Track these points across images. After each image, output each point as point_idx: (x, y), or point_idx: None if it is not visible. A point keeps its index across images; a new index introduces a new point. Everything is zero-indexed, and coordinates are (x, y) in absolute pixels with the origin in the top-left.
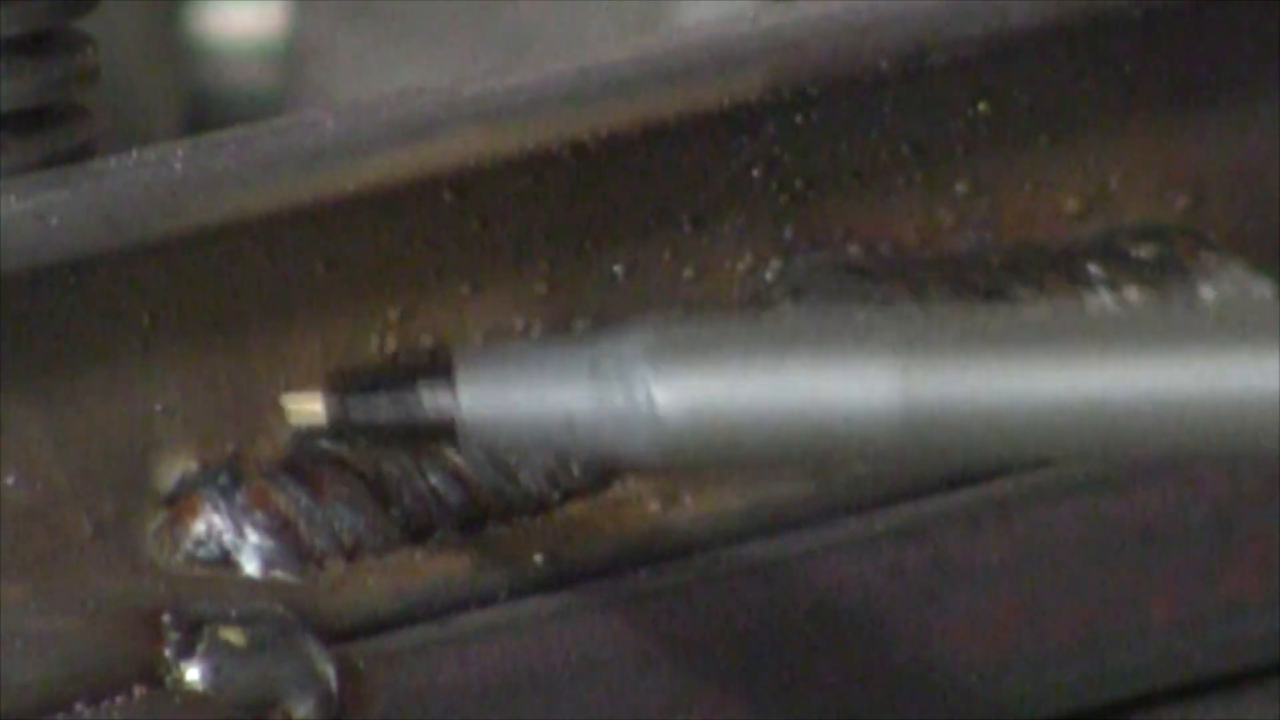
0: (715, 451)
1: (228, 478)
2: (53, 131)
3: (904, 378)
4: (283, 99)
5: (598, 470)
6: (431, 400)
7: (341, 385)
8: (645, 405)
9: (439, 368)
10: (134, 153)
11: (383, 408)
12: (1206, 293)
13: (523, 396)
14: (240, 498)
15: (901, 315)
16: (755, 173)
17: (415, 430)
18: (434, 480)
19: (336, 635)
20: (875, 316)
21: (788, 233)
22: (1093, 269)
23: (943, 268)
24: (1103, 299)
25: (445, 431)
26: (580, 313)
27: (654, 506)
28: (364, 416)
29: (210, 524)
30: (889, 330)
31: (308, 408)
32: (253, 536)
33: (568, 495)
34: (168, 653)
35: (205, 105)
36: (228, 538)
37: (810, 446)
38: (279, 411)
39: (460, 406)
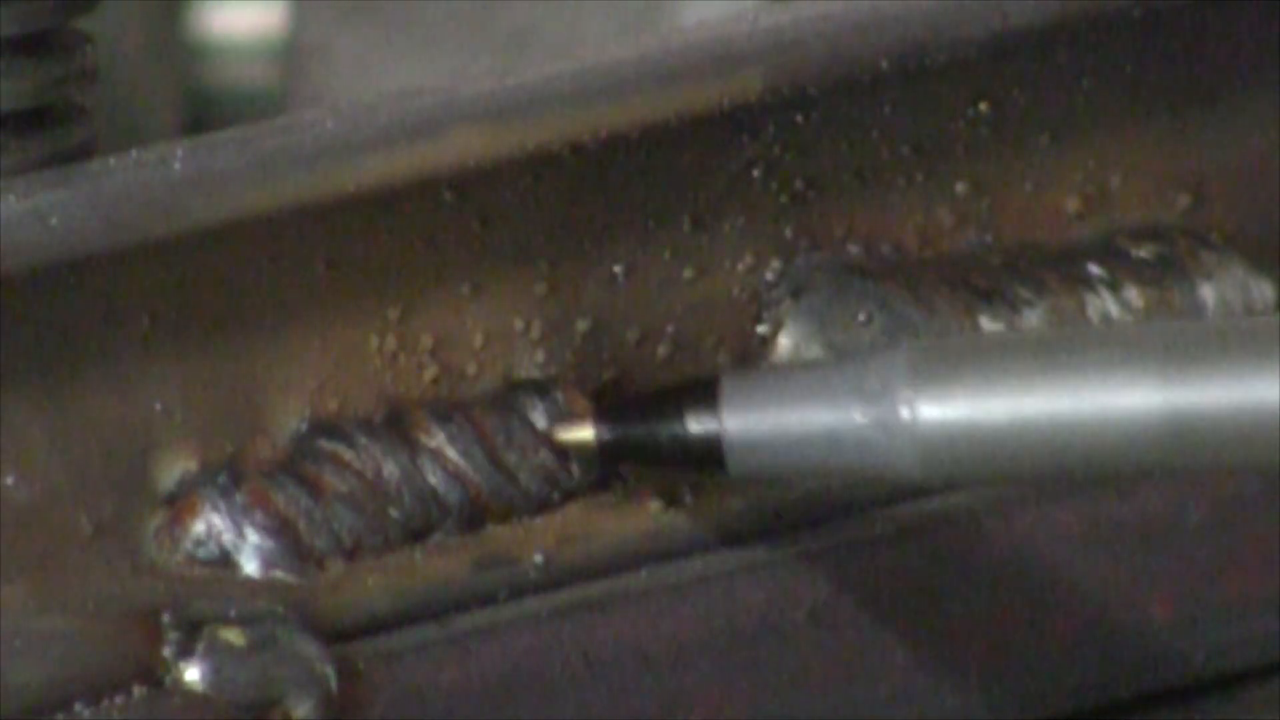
0: (979, 466)
1: (228, 478)
2: (53, 131)
3: (1164, 387)
4: (283, 99)
5: (598, 470)
6: (698, 425)
7: (610, 412)
8: (909, 423)
9: (704, 392)
10: (134, 153)
11: (651, 434)
12: (1206, 293)
13: (787, 418)
14: (240, 498)
15: (1158, 324)
16: (755, 173)
17: (683, 455)
18: (434, 480)
19: (336, 635)
20: (1131, 326)
21: (788, 233)
22: (1093, 269)
23: (943, 268)
24: (1103, 299)
25: (713, 455)
26: (580, 313)
27: (654, 506)
28: (633, 443)
29: (210, 524)
30: (1147, 339)
31: (578, 435)
32: (253, 536)
33: (568, 495)
34: (168, 653)
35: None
36: (228, 538)
37: (1073, 459)
38: (279, 411)
39: (726, 430)
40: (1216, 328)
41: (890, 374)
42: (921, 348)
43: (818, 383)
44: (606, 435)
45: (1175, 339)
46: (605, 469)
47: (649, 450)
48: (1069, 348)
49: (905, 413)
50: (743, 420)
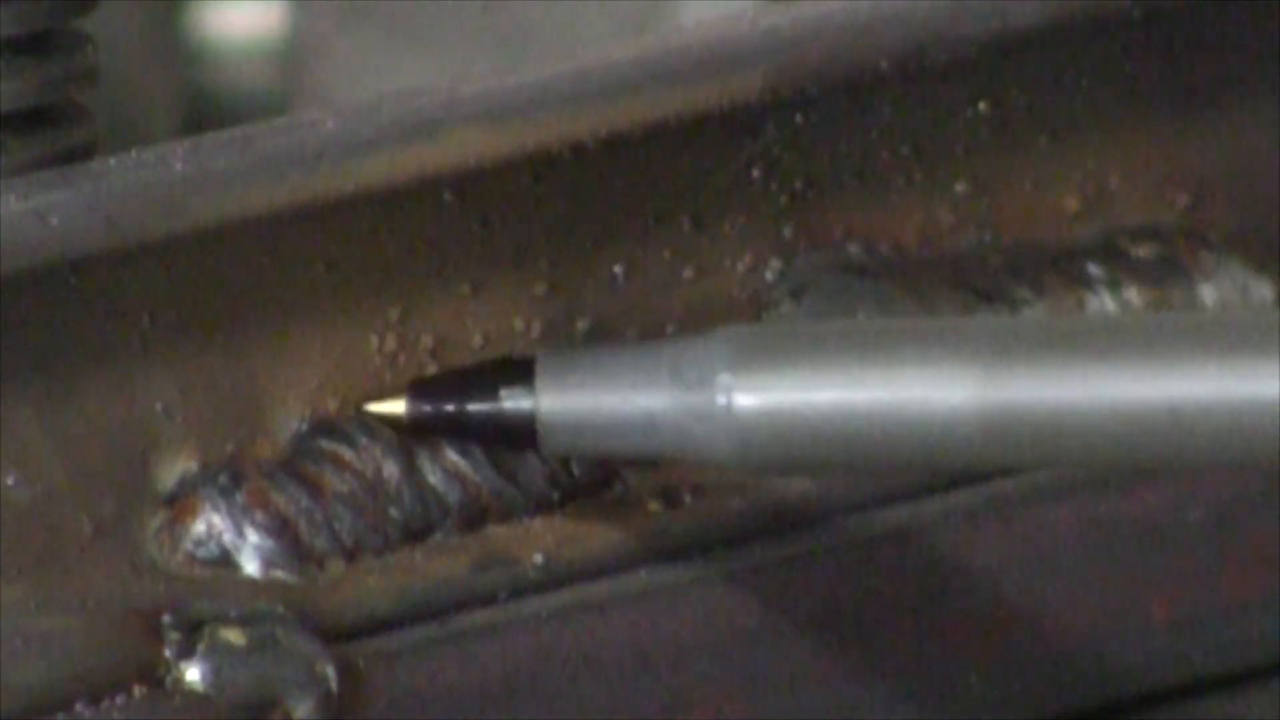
0: (796, 454)
1: (228, 478)
2: (53, 131)
3: (982, 380)
4: (283, 99)
5: (598, 470)
6: (513, 403)
7: (425, 387)
8: (726, 408)
9: (521, 370)
10: (134, 153)
11: (464, 410)
12: (1206, 293)
13: (603, 399)
14: (240, 498)
15: (980, 319)
16: (755, 173)
17: (496, 432)
18: (434, 480)
19: (336, 635)
20: (953, 321)
21: (788, 233)
22: (1093, 269)
23: (943, 268)
24: (1102, 299)
25: (526, 433)
26: (580, 313)
27: (654, 506)
28: (445, 418)
29: (210, 524)
30: (968, 333)
31: (389, 410)
32: (253, 536)
33: (568, 495)
34: (168, 653)
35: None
36: (228, 538)
37: (890, 449)
38: (279, 411)
39: (540, 409)
40: (1042, 324)
41: (709, 360)
42: (741, 334)
43: (635, 365)
44: (417, 410)
45: (998, 335)
46: (414, 439)
47: (461, 426)
48: (890, 339)
49: (722, 399)
50: (557, 400)
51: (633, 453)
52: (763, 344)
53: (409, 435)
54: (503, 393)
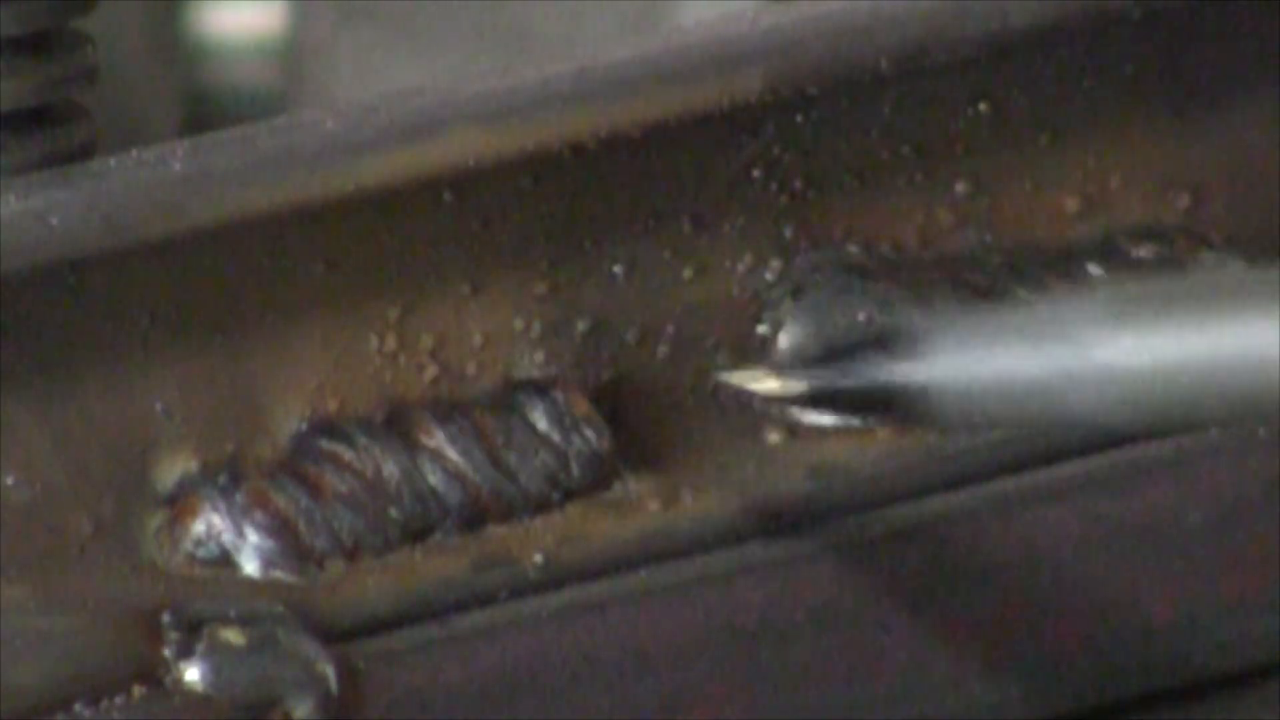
0: (1178, 408)
1: (228, 478)
2: (53, 131)
3: None
4: (283, 99)
5: (598, 470)
6: (901, 371)
7: (815, 358)
8: (1106, 366)
9: (904, 340)
10: (134, 153)
11: (854, 379)
12: None
13: (987, 364)
14: (240, 498)
15: None
16: (755, 173)
17: (885, 400)
18: (434, 480)
19: (336, 635)
20: None
21: (788, 233)
22: (1093, 269)
23: (943, 268)
24: None
25: (916, 401)
26: (580, 313)
27: (654, 506)
28: (837, 388)
29: (210, 524)
30: None
31: (777, 382)
32: (253, 536)
33: (568, 495)
34: (168, 653)
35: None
36: (227, 538)
37: (1263, 400)
38: (279, 411)
39: (929, 376)
40: None
41: (1085, 318)
42: (1116, 290)
43: (1016, 329)
44: (810, 380)
45: None
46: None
47: (852, 397)
48: (1261, 291)
49: (1100, 356)
50: (944, 367)
51: (1017, 416)
52: (1136, 299)
53: (800, 405)
54: (890, 360)
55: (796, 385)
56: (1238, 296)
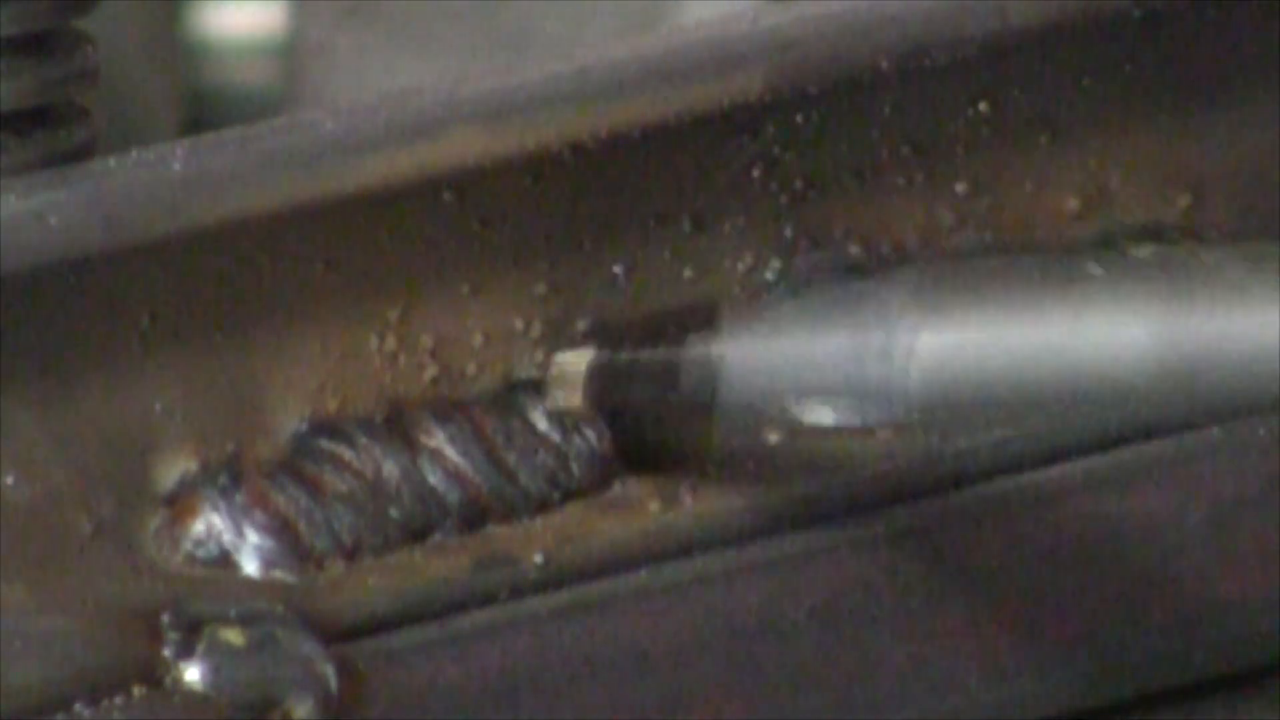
0: (975, 394)
1: (228, 478)
2: (53, 131)
3: (1161, 319)
4: (283, 99)
5: (598, 470)
6: (697, 351)
7: (608, 342)
8: (907, 349)
9: (705, 320)
10: (134, 153)
11: (648, 359)
12: None
13: (785, 344)
14: (240, 498)
15: (1159, 259)
16: (755, 173)
17: (676, 381)
18: (434, 480)
19: (336, 635)
20: (1131, 258)
21: (788, 233)
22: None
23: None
24: None
25: (708, 379)
26: (580, 313)
27: (654, 506)
28: (629, 368)
29: (210, 524)
30: (1147, 273)
31: (574, 361)
32: (252, 536)
33: (568, 495)
34: (167, 653)
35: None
36: (227, 538)
37: (1068, 389)
38: (279, 411)
39: (724, 355)
40: (1224, 264)
41: (890, 301)
42: (922, 273)
43: (817, 309)
44: (607, 360)
45: (1176, 272)
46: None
47: (644, 378)
48: (1069, 278)
49: (903, 340)
50: (740, 346)
51: (815, 395)
52: (942, 283)
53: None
54: (688, 341)
55: (584, 360)
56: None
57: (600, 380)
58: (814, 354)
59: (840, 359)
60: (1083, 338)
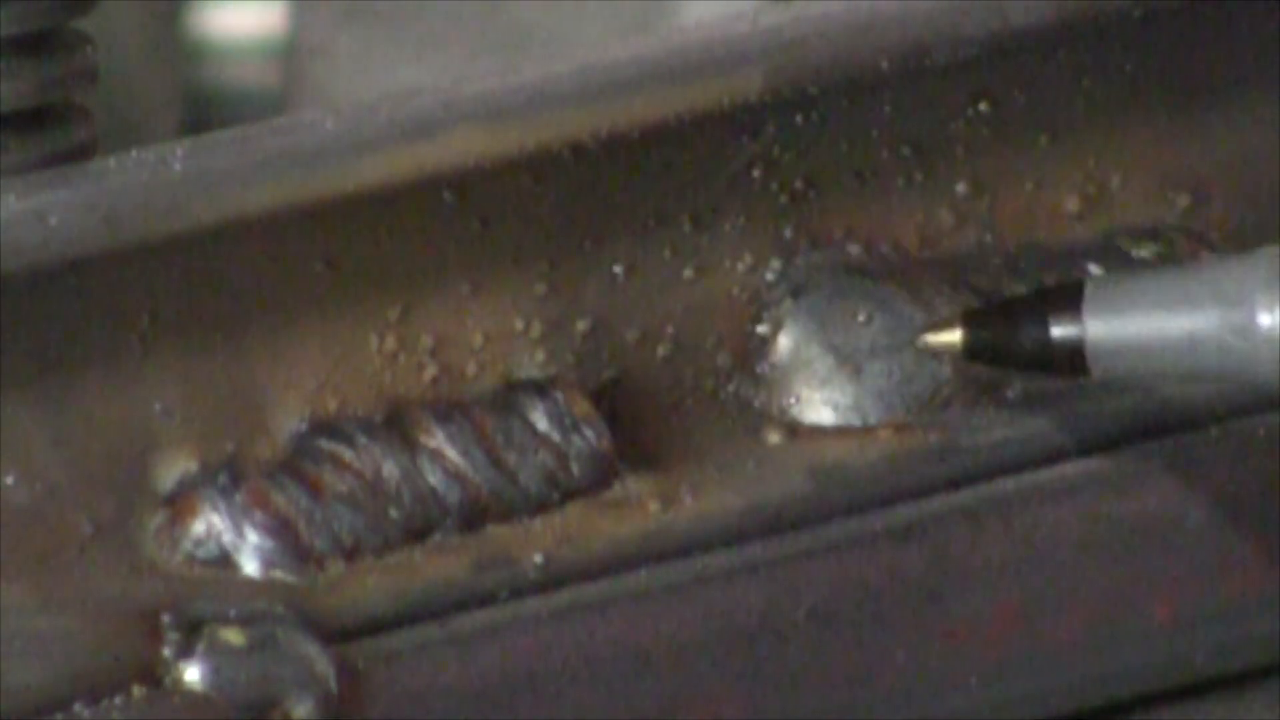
0: None
1: (227, 478)
2: (53, 131)
3: None
4: (283, 99)
5: (598, 470)
6: (1060, 329)
7: (977, 317)
8: (1270, 328)
9: (1069, 297)
10: (134, 153)
11: (1015, 337)
12: None
13: (1148, 323)
14: (240, 498)
15: None
16: (755, 173)
17: (1045, 359)
18: (434, 480)
19: (336, 635)
20: None
21: (788, 233)
22: (1093, 269)
23: (943, 268)
24: None
25: (1075, 360)
26: (580, 313)
27: (654, 506)
28: (997, 345)
29: (210, 524)
30: None
31: (945, 339)
32: (252, 536)
33: (568, 495)
34: (167, 653)
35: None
36: (227, 538)
37: None
38: (279, 411)
39: (1088, 334)
40: None
41: (1251, 279)
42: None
43: (1179, 288)
44: (972, 338)
45: None
46: (973, 366)
47: (1013, 354)
48: None
49: (1265, 318)
50: (1104, 325)
51: (1180, 374)
52: None
53: (966, 362)
54: (1051, 319)
55: (955, 339)
56: None
57: (975, 359)
58: (1178, 335)
59: (1204, 341)
60: None
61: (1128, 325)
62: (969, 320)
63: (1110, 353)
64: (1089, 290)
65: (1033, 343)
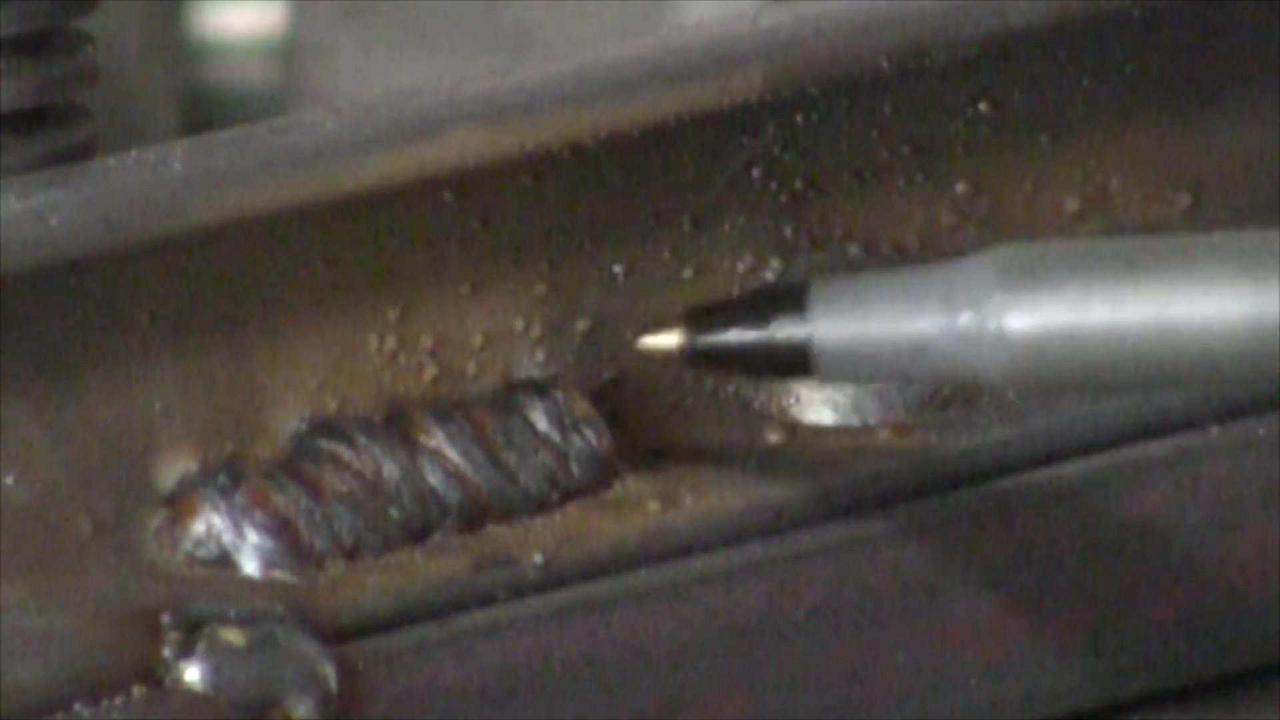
0: (1065, 373)
1: (227, 478)
2: (53, 131)
3: (1254, 293)
4: (283, 99)
5: (598, 470)
6: (785, 330)
7: (698, 318)
8: (996, 329)
9: (793, 299)
10: (134, 153)
11: (738, 338)
12: None
13: (875, 324)
14: (240, 498)
15: (1249, 233)
16: (755, 173)
17: (769, 360)
18: (434, 480)
19: (336, 635)
20: (1220, 237)
21: (788, 233)
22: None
23: None
24: None
25: (798, 360)
26: (580, 313)
27: (654, 506)
28: (718, 347)
29: (210, 524)
30: (1236, 247)
31: (663, 342)
32: (252, 536)
33: (568, 495)
34: (167, 653)
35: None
36: (227, 538)
37: (1161, 367)
38: (279, 411)
39: (815, 336)
40: None
41: (979, 281)
42: (1010, 255)
43: (906, 289)
44: (692, 340)
45: (1266, 247)
46: (693, 373)
47: (735, 356)
48: (1158, 256)
49: (992, 320)
50: (832, 327)
51: (907, 377)
52: (1031, 264)
53: (686, 368)
54: (775, 322)
55: (672, 342)
56: (1129, 262)
57: (697, 364)
58: (906, 338)
59: (932, 344)
60: (1173, 316)
61: (856, 326)
62: (689, 320)
63: (837, 355)
64: (815, 289)
65: (756, 344)
